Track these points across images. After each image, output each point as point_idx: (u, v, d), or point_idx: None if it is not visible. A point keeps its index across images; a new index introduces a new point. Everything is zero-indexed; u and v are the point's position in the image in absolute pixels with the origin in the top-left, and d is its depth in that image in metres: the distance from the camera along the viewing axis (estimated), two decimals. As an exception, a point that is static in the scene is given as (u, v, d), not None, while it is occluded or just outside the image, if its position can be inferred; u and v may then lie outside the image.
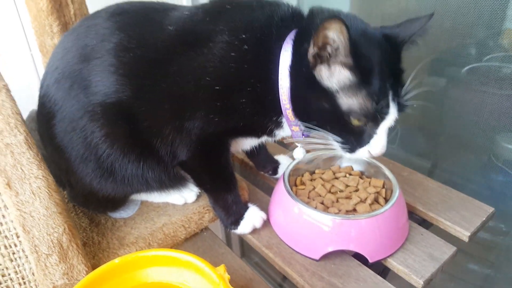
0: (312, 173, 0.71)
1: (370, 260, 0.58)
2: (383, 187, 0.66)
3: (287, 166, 0.69)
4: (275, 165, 0.79)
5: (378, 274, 0.58)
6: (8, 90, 0.59)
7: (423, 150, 0.97)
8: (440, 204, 0.68)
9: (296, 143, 0.63)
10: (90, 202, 0.66)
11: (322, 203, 0.63)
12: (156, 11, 0.59)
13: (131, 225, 0.66)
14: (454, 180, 0.92)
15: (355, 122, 0.51)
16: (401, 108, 0.52)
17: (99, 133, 0.57)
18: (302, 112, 0.56)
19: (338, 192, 0.66)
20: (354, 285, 0.55)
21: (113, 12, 0.59)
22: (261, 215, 0.65)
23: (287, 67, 0.54)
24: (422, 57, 0.58)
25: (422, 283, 0.55)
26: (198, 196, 0.71)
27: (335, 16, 0.47)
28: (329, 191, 0.66)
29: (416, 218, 0.68)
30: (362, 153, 0.54)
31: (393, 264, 0.58)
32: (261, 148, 0.76)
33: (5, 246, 0.53)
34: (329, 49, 0.49)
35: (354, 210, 0.61)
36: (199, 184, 0.66)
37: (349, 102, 0.50)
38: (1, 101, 0.57)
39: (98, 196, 0.63)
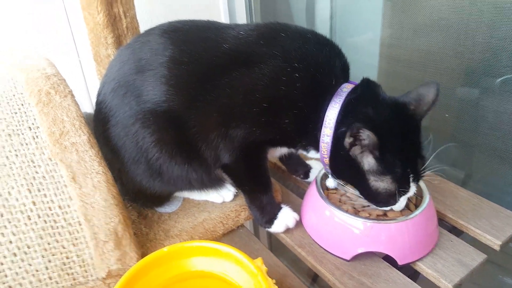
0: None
1: (399, 263, 0.60)
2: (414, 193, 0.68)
3: (318, 170, 0.73)
4: (306, 169, 0.83)
5: (408, 277, 0.60)
6: (73, 96, 0.66)
7: (456, 160, 0.97)
8: (471, 213, 0.69)
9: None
10: (139, 198, 0.72)
11: (353, 207, 0.66)
12: (209, 29, 0.64)
13: (175, 219, 0.72)
14: (488, 192, 0.91)
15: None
16: (419, 179, 0.59)
17: (149, 139, 0.63)
18: (337, 169, 0.62)
19: (369, 197, 0.68)
20: (383, 285, 0.58)
21: (166, 30, 0.65)
22: (294, 216, 0.69)
23: (332, 122, 0.59)
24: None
25: (451, 287, 0.56)
26: (235, 196, 0.76)
27: (362, 125, 0.53)
28: (361, 196, 0.69)
29: (446, 225, 0.69)
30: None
31: (422, 267, 0.60)
32: (293, 153, 0.79)
33: (69, 232, 0.59)
34: (361, 141, 0.55)
35: (385, 215, 0.64)
36: (238, 185, 0.71)
37: (376, 184, 0.58)
38: (67, 105, 0.64)
39: (146, 193, 0.69)
